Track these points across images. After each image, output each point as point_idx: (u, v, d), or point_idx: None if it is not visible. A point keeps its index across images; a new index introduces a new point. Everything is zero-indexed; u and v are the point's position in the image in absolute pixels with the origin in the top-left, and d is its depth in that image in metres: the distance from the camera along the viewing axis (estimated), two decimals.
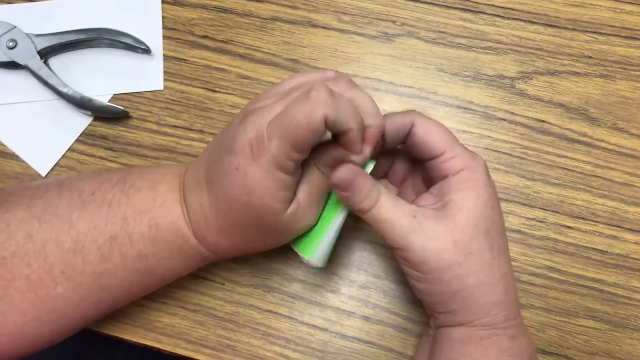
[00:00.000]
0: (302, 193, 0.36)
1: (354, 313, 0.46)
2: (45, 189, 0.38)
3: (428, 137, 0.35)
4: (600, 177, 0.47)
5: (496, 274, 0.34)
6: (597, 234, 0.46)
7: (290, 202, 0.35)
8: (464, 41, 0.50)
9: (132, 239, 0.37)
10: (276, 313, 0.46)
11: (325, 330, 0.45)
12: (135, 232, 0.37)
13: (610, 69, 0.48)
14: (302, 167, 0.35)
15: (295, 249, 0.40)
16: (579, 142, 0.47)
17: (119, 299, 0.39)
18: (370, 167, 0.36)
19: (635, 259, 0.45)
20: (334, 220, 0.38)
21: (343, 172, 0.34)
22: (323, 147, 0.35)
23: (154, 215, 0.37)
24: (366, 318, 0.45)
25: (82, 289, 0.37)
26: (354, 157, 0.34)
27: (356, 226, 0.47)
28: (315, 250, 0.38)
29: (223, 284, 0.47)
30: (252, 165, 0.33)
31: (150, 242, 0.37)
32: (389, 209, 0.34)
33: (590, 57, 0.49)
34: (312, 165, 0.36)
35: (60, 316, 0.37)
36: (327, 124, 0.31)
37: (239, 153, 0.33)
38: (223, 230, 0.37)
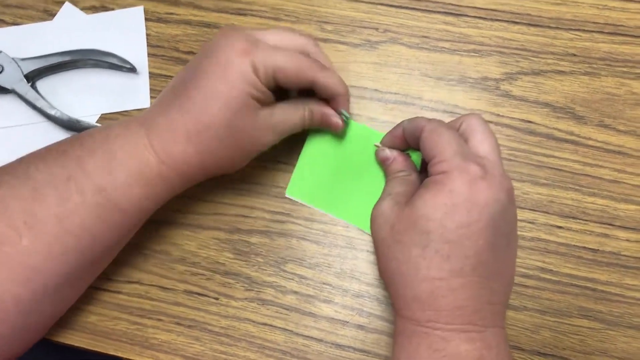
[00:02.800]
0: (279, 111, 0.41)
1: (348, 322, 0.46)
2: (8, 164, 0.40)
3: (427, 142, 0.37)
4: (589, 176, 0.46)
5: (420, 273, 0.34)
6: (588, 232, 0.46)
7: (266, 107, 0.40)
8: (447, 45, 0.49)
9: (88, 174, 0.38)
10: (271, 326, 0.46)
11: (320, 340, 0.46)
12: (90, 166, 0.38)
13: (595, 66, 0.48)
14: (287, 101, 0.42)
15: (362, 228, 0.46)
16: (566, 141, 0.47)
17: (86, 246, 0.39)
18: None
19: (627, 256, 0.45)
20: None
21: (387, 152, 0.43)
22: (313, 98, 0.43)
23: (109, 147, 0.39)
24: (361, 327, 0.46)
25: (47, 237, 0.37)
26: (336, 120, 0.44)
27: (348, 235, 0.47)
28: None
29: (217, 299, 0.47)
30: (235, 60, 0.38)
31: (107, 172, 0.38)
32: (392, 182, 0.41)
33: (574, 55, 0.48)
34: (299, 103, 0.43)
35: (32, 274, 0.37)
36: (318, 85, 0.41)
37: (220, 53, 0.39)
38: (192, 134, 0.39)
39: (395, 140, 0.42)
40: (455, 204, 0.33)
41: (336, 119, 0.44)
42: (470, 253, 0.33)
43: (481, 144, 0.37)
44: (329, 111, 0.44)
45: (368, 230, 0.45)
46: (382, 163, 0.44)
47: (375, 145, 0.44)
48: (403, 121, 0.41)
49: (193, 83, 0.39)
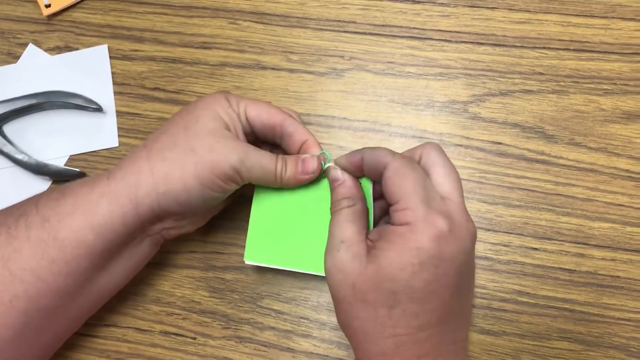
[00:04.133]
0: (251, 148, 0.39)
1: (327, 356, 0.45)
2: None
3: (389, 183, 0.34)
4: (562, 195, 0.46)
5: (386, 331, 0.33)
6: (564, 253, 0.45)
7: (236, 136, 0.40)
8: (413, 69, 0.49)
9: (38, 207, 0.38)
10: None
11: None
12: (42, 201, 0.38)
13: (562, 83, 0.48)
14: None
15: (318, 273, 0.41)
16: (537, 161, 0.47)
17: (34, 292, 0.37)
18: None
19: (604, 275, 0.45)
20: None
21: (338, 172, 0.40)
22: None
23: (68, 185, 0.39)
24: None
25: None
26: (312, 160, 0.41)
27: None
28: None
29: (194, 338, 0.46)
30: (207, 95, 0.41)
31: (54, 202, 0.38)
32: (338, 221, 0.37)
33: (541, 74, 0.48)
34: (273, 153, 0.40)
35: None
36: (285, 131, 0.41)
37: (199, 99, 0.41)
38: (148, 142, 0.39)
39: (350, 167, 0.39)
40: (422, 262, 0.32)
41: (312, 162, 0.40)
42: (437, 306, 0.33)
43: (443, 180, 0.35)
44: (304, 156, 0.41)
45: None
46: (331, 183, 0.40)
47: (323, 161, 0.41)
48: (364, 149, 0.38)
49: (168, 121, 0.40)
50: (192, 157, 0.37)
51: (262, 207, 0.42)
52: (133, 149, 0.40)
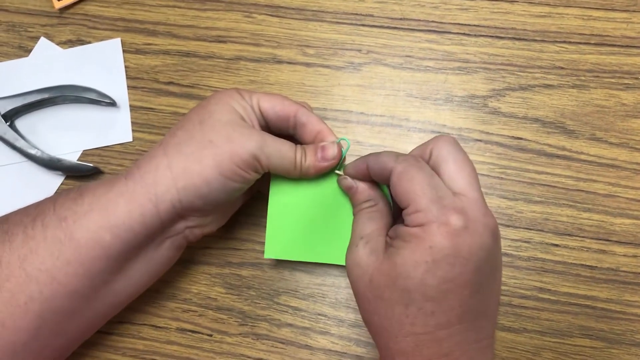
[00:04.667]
0: (271, 137, 0.39)
1: (345, 353, 0.45)
2: None
3: (397, 189, 0.34)
4: (583, 191, 0.46)
5: (404, 329, 0.32)
6: (585, 249, 0.45)
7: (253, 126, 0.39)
8: (431, 64, 0.49)
9: (56, 207, 0.37)
10: None
11: None
12: (60, 200, 0.38)
13: (583, 78, 0.47)
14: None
15: (337, 263, 0.42)
16: (558, 156, 0.46)
17: (49, 293, 0.36)
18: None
19: (626, 271, 0.44)
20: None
21: (349, 180, 0.39)
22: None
23: (86, 185, 0.39)
24: (359, 357, 0.45)
25: (9, 283, 0.36)
26: (333, 145, 0.40)
27: (342, 264, 0.46)
28: None
29: (211, 335, 0.46)
30: (221, 91, 0.40)
31: (72, 202, 0.37)
32: (359, 219, 0.37)
33: (562, 68, 0.48)
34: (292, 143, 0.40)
35: None
36: (299, 121, 0.40)
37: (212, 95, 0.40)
38: (164, 140, 0.38)
39: (358, 174, 0.39)
40: (436, 260, 0.31)
41: (332, 149, 0.40)
42: (456, 304, 0.32)
43: (456, 176, 0.34)
44: (322, 143, 0.40)
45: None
46: (347, 191, 0.40)
47: (336, 173, 0.41)
48: (369, 155, 0.37)
49: (182, 119, 0.40)
50: (210, 149, 0.37)
51: (279, 202, 0.42)
52: (151, 148, 0.39)
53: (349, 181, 0.39)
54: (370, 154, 0.37)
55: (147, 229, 0.37)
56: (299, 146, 0.40)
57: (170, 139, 0.38)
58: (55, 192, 0.40)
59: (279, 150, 0.38)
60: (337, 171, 0.41)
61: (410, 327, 0.32)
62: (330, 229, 0.42)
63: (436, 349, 0.32)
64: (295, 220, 0.42)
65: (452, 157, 0.34)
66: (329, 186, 0.42)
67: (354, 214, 0.39)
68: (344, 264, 0.40)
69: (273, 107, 0.40)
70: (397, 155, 0.35)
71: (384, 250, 0.34)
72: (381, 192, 0.39)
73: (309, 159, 0.40)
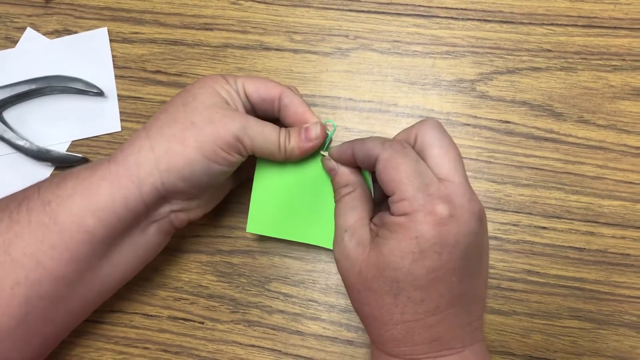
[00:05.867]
0: (254, 119, 0.38)
1: (337, 338, 0.45)
2: None
3: (383, 176, 0.33)
4: (572, 173, 0.46)
5: (394, 318, 0.33)
6: (574, 231, 0.45)
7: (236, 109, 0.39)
8: (419, 48, 0.48)
9: (40, 191, 0.37)
10: (259, 347, 0.45)
11: (310, 359, 0.45)
12: (44, 184, 0.38)
13: (570, 60, 0.47)
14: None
15: (325, 246, 0.42)
16: (546, 139, 0.46)
17: (35, 279, 0.36)
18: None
19: (614, 253, 0.44)
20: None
21: (332, 162, 0.39)
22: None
23: (70, 170, 0.39)
24: (350, 342, 0.45)
25: None
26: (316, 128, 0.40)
27: (331, 249, 0.46)
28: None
29: (202, 323, 0.46)
30: (209, 75, 0.40)
31: (56, 185, 0.37)
32: (340, 210, 0.37)
33: (549, 51, 0.47)
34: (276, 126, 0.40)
35: None
36: (283, 102, 0.40)
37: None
38: (147, 124, 0.38)
39: (343, 159, 0.39)
40: (423, 250, 0.31)
41: (315, 129, 0.40)
42: (445, 291, 0.32)
43: (441, 161, 0.33)
44: (306, 125, 0.40)
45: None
46: (329, 173, 0.40)
47: (322, 154, 0.41)
48: (354, 141, 0.37)
49: (167, 103, 0.40)
50: (192, 130, 0.36)
51: (264, 179, 0.42)
52: (135, 132, 0.39)
53: (332, 163, 0.39)
54: (356, 140, 0.37)
55: (130, 212, 0.37)
56: (282, 128, 0.40)
57: (154, 122, 0.38)
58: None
59: (262, 132, 0.38)
60: (322, 152, 0.41)
61: (400, 315, 0.33)
62: (313, 209, 0.42)
63: (427, 335, 0.33)
64: (279, 198, 0.42)
65: (437, 141, 0.34)
66: (315, 168, 0.42)
67: (335, 202, 0.39)
68: (323, 245, 0.42)
69: (257, 89, 0.40)
70: (383, 142, 0.35)
71: (370, 240, 0.34)
72: (362, 177, 0.39)
73: (293, 140, 0.39)
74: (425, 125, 0.35)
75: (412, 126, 0.36)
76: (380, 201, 0.40)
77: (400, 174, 0.32)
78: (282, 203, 0.42)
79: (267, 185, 0.42)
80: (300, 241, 0.42)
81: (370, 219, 0.37)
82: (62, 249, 0.36)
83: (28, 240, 0.36)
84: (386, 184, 0.33)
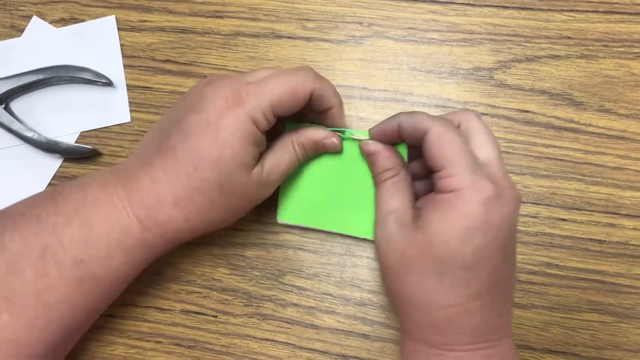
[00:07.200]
0: (269, 162, 0.37)
1: (352, 332, 0.44)
2: None
3: (433, 149, 0.33)
4: (592, 164, 0.45)
5: (437, 301, 0.33)
6: (594, 223, 0.44)
7: (257, 162, 0.37)
8: (435, 36, 0.47)
9: (65, 245, 0.36)
10: (273, 340, 0.45)
11: (325, 353, 0.44)
12: (66, 237, 0.36)
13: (591, 48, 0.46)
14: (275, 144, 0.39)
15: (362, 236, 0.42)
16: (565, 129, 0.45)
17: (69, 316, 0.37)
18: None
19: (635, 245, 0.43)
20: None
21: (371, 146, 0.38)
22: (302, 130, 0.39)
23: (85, 215, 0.36)
24: (365, 336, 0.44)
25: (27, 311, 0.35)
26: (331, 140, 0.39)
27: (346, 242, 0.45)
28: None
29: (216, 317, 0.46)
30: (227, 115, 0.34)
31: (84, 243, 0.36)
32: (383, 194, 0.37)
33: (569, 38, 0.46)
34: (288, 142, 0.39)
35: (15, 348, 0.35)
36: (314, 97, 0.36)
37: (210, 108, 0.35)
38: (181, 199, 0.35)
39: (385, 135, 0.38)
40: (470, 227, 0.31)
41: (330, 140, 0.39)
42: (488, 273, 0.32)
43: (485, 147, 0.34)
44: (320, 136, 0.39)
45: (370, 237, 0.43)
46: (367, 158, 0.39)
47: (355, 138, 0.40)
48: (400, 114, 0.36)
49: (180, 141, 0.35)
50: (220, 199, 0.36)
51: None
52: (154, 180, 0.36)
53: (372, 147, 0.38)
54: (401, 113, 0.37)
55: (157, 255, 0.39)
56: (295, 146, 0.39)
57: (182, 190, 0.36)
58: (40, 203, 0.38)
59: (279, 169, 0.39)
60: (354, 135, 0.40)
61: (443, 298, 0.32)
62: (346, 198, 0.41)
63: (467, 322, 0.33)
64: (309, 186, 0.42)
65: (482, 128, 0.35)
66: (346, 155, 0.41)
67: (376, 186, 0.38)
68: (356, 234, 0.42)
69: (286, 106, 0.36)
70: (433, 117, 0.35)
71: (413, 221, 0.34)
72: (402, 160, 0.38)
73: (309, 149, 0.40)
74: (470, 113, 0.36)
75: (454, 113, 0.37)
76: (417, 177, 0.40)
77: (452, 149, 0.33)
78: (312, 191, 0.42)
79: (296, 174, 0.42)
80: (334, 231, 0.43)
81: (413, 203, 0.37)
82: (101, 294, 0.38)
83: (64, 291, 0.36)
84: (436, 159, 0.33)
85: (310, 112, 0.40)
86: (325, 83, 0.38)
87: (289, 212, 0.42)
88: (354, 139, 0.40)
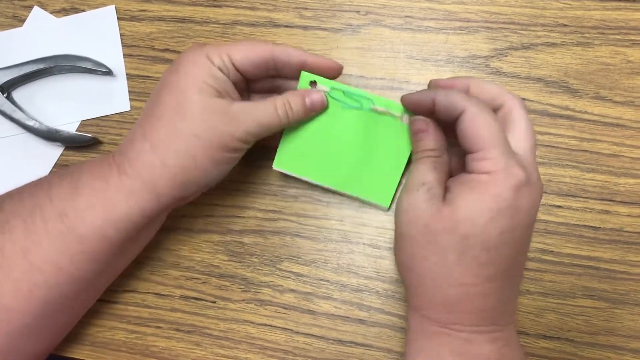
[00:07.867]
0: (244, 104, 0.38)
1: (348, 317, 0.45)
2: None
3: (470, 131, 0.33)
4: (587, 151, 0.45)
5: (453, 279, 0.33)
6: (588, 210, 0.44)
7: (235, 101, 0.38)
8: (432, 24, 0.47)
9: (53, 199, 0.37)
10: (271, 326, 0.46)
11: (322, 338, 0.45)
12: (55, 192, 0.37)
13: (587, 35, 0.46)
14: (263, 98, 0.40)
15: (373, 201, 0.44)
16: (561, 116, 0.45)
17: (53, 280, 0.37)
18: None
19: (630, 232, 0.44)
20: (403, 168, 0.42)
21: (421, 123, 0.38)
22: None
23: (78, 172, 0.38)
24: (361, 321, 0.45)
25: (14, 273, 0.36)
26: (311, 98, 0.40)
27: (343, 229, 0.46)
28: (393, 197, 0.44)
29: (214, 302, 0.46)
30: (186, 54, 0.38)
31: (71, 195, 0.37)
32: (422, 166, 0.36)
33: (565, 25, 0.46)
34: (274, 97, 0.39)
35: (6, 313, 0.37)
36: (282, 58, 0.39)
37: (176, 61, 0.38)
38: (147, 131, 0.37)
39: (419, 107, 0.38)
40: (500, 209, 0.32)
41: (317, 95, 0.40)
42: (506, 257, 0.32)
43: (523, 137, 0.35)
44: (306, 92, 0.40)
45: (363, 197, 0.43)
46: (414, 135, 0.38)
47: (392, 114, 0.41)
48: (437, 91, 0.36)
49: (156, 101, 0.38)
50: (198, 143, 0.37)
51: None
52: (130, 135, 0.38)
53: (421, 124, 0.38)
54: (437, 89, 0.37)
55: (147, 219, 0.39)
56: (278, 100, 0.39)
57: (153, 133, 0.37)
58: (50, 173, 0.39)
59: (261, 124, 0.38)
60: (395, 113, 0.41)
61: (460, 276, 0.33)
62: (349, 158, 0.43)
63: (479, 303, 0.33)
64: (312, 140, 0.43)
65: (525, 120, 0.35)
66: (361, 120, 0.42)
67: (416, 159, 0.38)
68: (348, 191, 0.43)
69: (247, 58, 0.38)
70: (470, 97, 0.35)
71: (442, 198, 0.34)
72: (446, 144, 0.38)
73: (295, 107, 0.40)
74: (515, 100, 0.36)
75: (499, 92, 0.36)
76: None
77: (488, 131, 0.33)
78: (312, 145, 0.43)
79: (298, 127, 0.42)
80: (326, 185, 0.44)
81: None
82: (82, 255, 0.37)
83: (47, 248, 0.36)
84: (471, 139, 0.33)
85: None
86: (285, 45, 0.40)
87: (285, 160, 0.43)
88: (393, 115, 0.41)
